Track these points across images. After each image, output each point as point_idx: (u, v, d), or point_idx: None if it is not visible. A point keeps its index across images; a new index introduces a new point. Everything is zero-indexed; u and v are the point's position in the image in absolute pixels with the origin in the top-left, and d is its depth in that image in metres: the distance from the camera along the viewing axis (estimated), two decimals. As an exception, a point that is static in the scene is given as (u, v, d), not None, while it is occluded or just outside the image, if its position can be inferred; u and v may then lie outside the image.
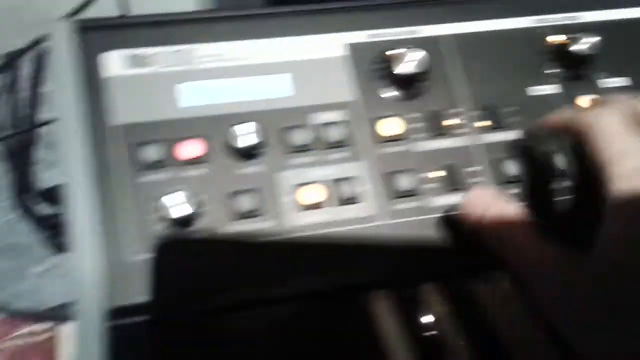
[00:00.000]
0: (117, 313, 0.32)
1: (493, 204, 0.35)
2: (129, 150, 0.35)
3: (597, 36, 0.41)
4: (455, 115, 0.40)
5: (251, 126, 0.35)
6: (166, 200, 0.33)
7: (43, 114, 0.74)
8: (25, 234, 0.60)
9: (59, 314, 0.52)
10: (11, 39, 0.77)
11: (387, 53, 0.40)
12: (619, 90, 0.43)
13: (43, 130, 0.72)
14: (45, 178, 0.67)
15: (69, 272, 0.57)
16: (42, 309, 0.54)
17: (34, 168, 0.67)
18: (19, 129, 0.70)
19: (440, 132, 0.40)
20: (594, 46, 0.41)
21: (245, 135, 0.35)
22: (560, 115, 0.37)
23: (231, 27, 0.39)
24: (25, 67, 0.76)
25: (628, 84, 0.43)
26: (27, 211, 0.61)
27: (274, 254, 0.35)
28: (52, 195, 0.61)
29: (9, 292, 0.56)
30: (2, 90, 0.74)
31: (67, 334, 0.50)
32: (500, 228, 0.33)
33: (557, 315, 0.31)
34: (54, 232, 0.58)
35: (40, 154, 0.70)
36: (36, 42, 0.53)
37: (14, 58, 0.66)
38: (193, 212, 0.34)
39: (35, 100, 0.74)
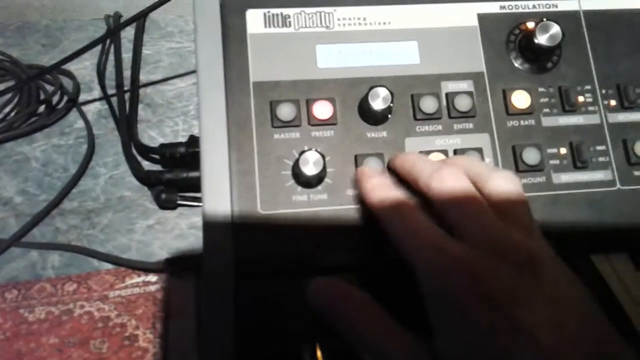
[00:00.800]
0: (246, 264, 0.33)
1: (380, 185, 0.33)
2: (267, 106, 0.36)
3: None
4: (586, 92, 0.39)
5: (384, 91, 0.36)
6: (299, 158, 0.34)
7: (144, 76, 0.77)
8: (133, 188, 0.63)
9: (166, 267, 0.54)
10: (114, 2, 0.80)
11: (523, 24, 0.39)
12: None
13: (144, 91, 0.75)
14: (147, 137, 0.69)
15: (175, 229, 0.60)
16: (151, 261, 0.56)
17: (139, 126, 0.70)
18: (122, 88, 0.73)
19: (571, 108, 0.39)
20: None
21: (379, 99, 0.35)
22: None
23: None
24: (128, 31, 0.80)
25: None
26: (133, 167, 0.64)
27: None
28: (158, 153, 0.64)
29: (117, 243, 0.59)
30: (107, 51, 0.78)
31: (177, 286, 0.52)
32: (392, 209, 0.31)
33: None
34: (160, 188, 0.60)
35: (142, 114, 0.73)
36: (149, 9, 0.55)
37: (120, 24, 0.69)
38: (322, 172, 0.35)
39: (137, 62, 0.77)
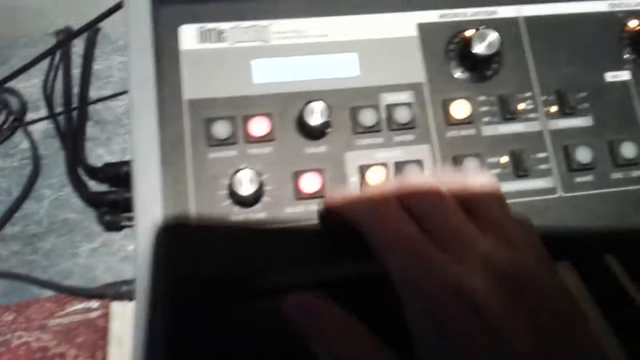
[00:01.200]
0: (180, 287, 0.32)
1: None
2: (202, 125, 0.35)
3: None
4: (527, 99, 0.39)
5: (321, 105, 0.35)
6: (234, 177, 0.33)
7: (94, 92, 0.75)
8: (77, 210, 0.61)
9: (109, 291, 0.52)
10: (65, 16, 0.78)
11: (462, 33, 0.39)
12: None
13: (94, 108, 0.73)
14: (94, 156, 0.67)
15: (121, 251, 0.58)
16: (93, 287, 0.54)
17: (85, 145, 0.68)
18: (70, 106, 0.71)
19: (511, 116, 0.38)
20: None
21: (315, 114, 0.35)
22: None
23: (306, 4, 0.39)
24: (78, 45, 0.77)
25: None
26: (78, 188, 0.62)
27: (337, 234, 0.35)
28: (102, 172, 0.62)
29: (60, 269, 0.57)
30: (56, 67, 0.76)
31: (119, 312, 0.50)
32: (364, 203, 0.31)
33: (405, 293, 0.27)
34: (104, 210, 0.59)
35: (90, 131, 0.71)
36: (95, 21, 0.53)
37: (68, 36, 0.67)
38: (259, 191, 0.34)
39: (87, 78, 0.75)
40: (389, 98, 0.38)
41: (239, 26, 0.38)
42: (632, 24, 0.42)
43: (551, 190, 0.38)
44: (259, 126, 0.36)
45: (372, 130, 0.37)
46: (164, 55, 0.36)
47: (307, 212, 0.35)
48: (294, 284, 0.33)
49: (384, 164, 0.36)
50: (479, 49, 0.37)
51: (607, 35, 0.41)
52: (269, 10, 0.38)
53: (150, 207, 0.33)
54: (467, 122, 0.38)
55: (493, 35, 0.37)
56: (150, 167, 0.34)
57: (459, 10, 0.40)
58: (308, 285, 0.33)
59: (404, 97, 0.38)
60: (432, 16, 0.40)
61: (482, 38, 0.37)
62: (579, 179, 0.38)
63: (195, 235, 0.33)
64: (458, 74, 0.39)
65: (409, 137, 0.37)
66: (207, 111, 0.35)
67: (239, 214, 0.34)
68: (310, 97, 0.36)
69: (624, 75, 0.41)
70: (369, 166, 0.36)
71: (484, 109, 0.39)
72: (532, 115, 0.39)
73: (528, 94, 0.39)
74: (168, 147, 0.34)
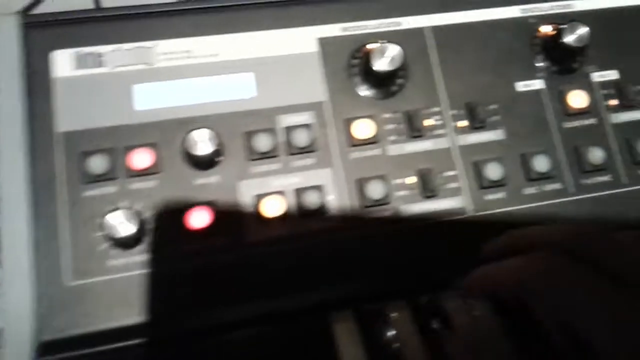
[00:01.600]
0: (51, 347, 0.29)
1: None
2: (75, 160, 0.32)
3: (588, 26, 0.38)
4: (434, 114, 0.37)
5: (207, 133, 0.32)
6: (111, 217, 0.30)
7: None
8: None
9: None
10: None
11: (363, 48, 0.37)
12: (609, 85, 0.39)
13: None
14: None
15: None
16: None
17: None
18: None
19: (418, 133, 0.37)
20: (584, 37, 0.38)
21: (200, 143, 0.32)
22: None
23: (194, 22, 0.36)
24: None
25: (617, 77, 0.40)
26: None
27: (230, 275, 0.33)
28: None
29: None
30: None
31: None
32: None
33: None
34: None
35: None
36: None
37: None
38: (140, 231, 0.31)
39: None
40: (288, 120, 0.36)
41: (120, 49, 0.35)
42: (544, 29, 0.40)
43: (461, 211, 0.36)
44: (141, 158, 0.33)
45: (269, 155, 0.35)
46: (34, 84, 0.33)
47: (196, 251, 0.32)
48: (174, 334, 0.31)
49: (282, 192, 0.34)
50: (379, 65, 0.35)
51: (518, 43, 0.39)
52: (154, 30, 0.36)
53: (17, 259, 0.30)
54: (371, 142, 0.36)
55: (394, 50, 0.35)
56: (18, 211, 0.31)
57: (362, 22, 0.38)
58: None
59: (304, 118, 0.36)
60: (333, 30, 0.38)
61: (382, 53, 0.35)
62: (489, 197, 0.36)
63: (68, 293, 0.30)
64: (362, 90, 0.37)
65: (309, 161, 0.35)
66: (84, 144, 0.33)
67: (117, 258, 0.31)
68: (200, 122, 0.34)
69: (537, 84, 0.39)
70: (265, 195, 0.34)
71: (390, 127, 0.37)
72: (440, 131, 0.37)
73: (436, 109, 0.37)
74: (38, 187, 0.32)
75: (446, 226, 0.35)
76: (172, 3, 0.38)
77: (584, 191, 0.37)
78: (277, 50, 0.37)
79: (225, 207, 0.33)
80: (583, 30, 0.37)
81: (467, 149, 0.37)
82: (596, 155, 0.38)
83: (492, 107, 0.38)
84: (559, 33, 0.38)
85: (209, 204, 0.33)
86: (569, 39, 0.38)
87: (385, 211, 0.35)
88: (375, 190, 0.35)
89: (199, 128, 0.32)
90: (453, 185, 0.36)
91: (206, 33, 0.36)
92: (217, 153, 0.33)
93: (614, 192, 0.38)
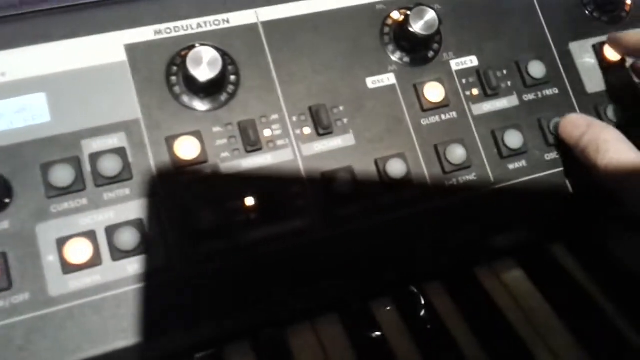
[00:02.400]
0: None
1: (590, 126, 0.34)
2: None
3: (435, 10, 0.34)
4: (273, 123, 0.33)
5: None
6: None
7: None
8: None
9: None
10: None
11: (182, 52, 0.31)
12: (469, 73, 0.36)
13: None
14: None
15: None
16: None
17: None
18: None
19: (253, 148, 0.32)
20: (432, 23, 0.34)
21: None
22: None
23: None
24: None
25: (475, 64, 0.36)
26: None
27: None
28: None
29: None
30: None
31: None
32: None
33: None
34: None
35: None
36: None
37: None
38: None
39: None
40: (93, 145, 0.30)
41: None
42: (394, 15, 0.36)
43: (308, 231, 0.32)
44: None
45: (72, 190, 0.29)
46: None
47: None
48: None
49: (91, 232, 0.29)
50: (199, 73, 0.30)
51: (366, 33, 0.35)
52: None
53: None
54: (199, 162, 0.31)
55: (211, 54, 0.30)
56: None
57: (180, 22, 0.33)
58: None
59: (113, 141, 0.30)
60: (144, 34, 0.32)
61: (198, 59, 0.30)
62: (341, 212, 0.32)
63: None
64: (186, 102, 0.32)
65: (122, 191, 0.30)
66: None
67: None
68: (-24, 160, 0.28)
69: (389, 78, 0.35)
70: (69, 238, 0.28)
71: (221, 142, 0.32)
72: (281, 142, 0.32)
73: (275, 117, 0.33)
74: None
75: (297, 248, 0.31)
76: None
77: (444, 195, 0.34)
78: (75, 63, 0.31)
79: (21, 257, 0.28)
80: (430, 15, 0.33)
81: (313, 160, 0.33)
82: (457, 153, 0.34)
83: (340, 108, 0.34)
84: (407, 19, 0.34)
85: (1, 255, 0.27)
86: (417, 25, 0.34)
87: (224, 242, 0.30)
88: (204, 220, 0.30)
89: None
90: (300, 203, 0.32)
91: (-15, 49, 0.30)
92: (3, 194, 0.27)
93: (480, 192, 0.34)
